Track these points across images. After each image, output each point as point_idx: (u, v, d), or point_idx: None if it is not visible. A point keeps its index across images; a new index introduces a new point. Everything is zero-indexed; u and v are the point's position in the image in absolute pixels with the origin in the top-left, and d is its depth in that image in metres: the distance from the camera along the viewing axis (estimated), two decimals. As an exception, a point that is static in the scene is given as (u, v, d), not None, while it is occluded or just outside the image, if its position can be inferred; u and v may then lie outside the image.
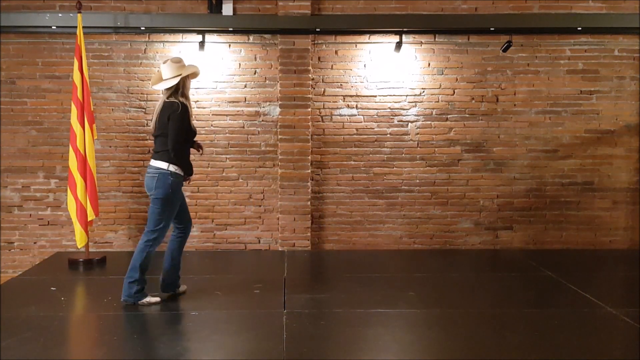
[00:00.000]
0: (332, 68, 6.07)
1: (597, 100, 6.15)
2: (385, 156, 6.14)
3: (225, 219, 6.11)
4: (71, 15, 5.60)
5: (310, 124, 6.03)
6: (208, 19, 5.82)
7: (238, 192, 6.10)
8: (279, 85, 5.98)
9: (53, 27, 5.73)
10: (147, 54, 5.99)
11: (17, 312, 4.06)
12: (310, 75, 6.00)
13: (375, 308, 4.21)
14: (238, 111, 6.05)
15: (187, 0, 5.92)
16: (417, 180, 6.16)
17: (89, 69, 5.72)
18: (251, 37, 6.01)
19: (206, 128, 5.96)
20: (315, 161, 6.11)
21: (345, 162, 6.14)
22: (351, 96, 6.09)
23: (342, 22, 5.92)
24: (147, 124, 6.01)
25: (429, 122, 6.13)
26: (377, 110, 6.11)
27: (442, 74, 6.10)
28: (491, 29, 5.88)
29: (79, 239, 5.35)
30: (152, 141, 5.87)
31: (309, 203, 6.04)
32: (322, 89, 6.08)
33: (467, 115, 6.13)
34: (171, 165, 4.13)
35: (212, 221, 6.07)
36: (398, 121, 6.12)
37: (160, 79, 4.24)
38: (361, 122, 6.12)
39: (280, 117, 5.99)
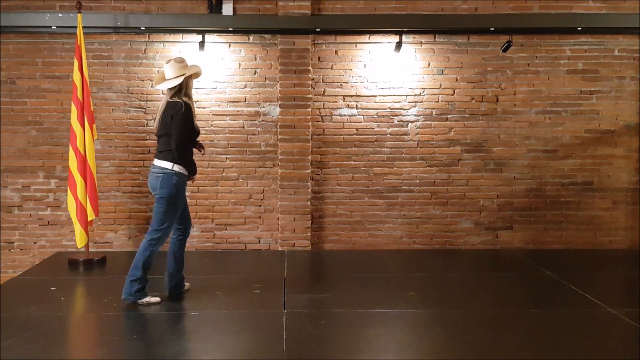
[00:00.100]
0: (332, 68, 6.07)
1: (597, 100, 6.15)
2: (385, 156, 6.14)
3: (225, 219, 6.11)
4: (71, 15, 5.60)
5: (310, 124, 6.03)
6: (208, 19, 5.82)
7: (238, 192, 6.11)
8: (279, 85, 5.99)
9: (53, 27, 5.73)
10: (147, 54, 5.99)
11: (17, 312, 4.06)
12: (310, 75, 6.00)
13: (375, 308, 4.21)
14: (238, 111, 6.05)
15: (187, 0, 5.92)
16: (417, 180, 6.16)
17: (89, 69, 5.72)
18: (251, 37, 6.01)
19: (206, 128, 5.96)
20: (315, 161, 6.11)
21: (345, 162, 6.14)
22: (351, 96, 6.09)
23: (342, 22, 5.92)
24: (147, 124, 6.01)
25: (429, 122, 6.13)
26: (377, 110, 6.11)
27: (442, 74, 6.10)
28: (491, 29, 5.88)
29: (79, 239, 5.35)
30: (152, 141, 5.96)
31: (309, 203, 6.04)
32: (322, 89, 6.08)
33: (467, 115, 6.13)
34: (175, 165, 4.14)
35: (212, 221, 6.08)
36: (398, 121, 6.12)
37: (163, 79, 4.25)
38: (361, 122, 6.12)
39: (280, 117, 5.99)
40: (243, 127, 6.06)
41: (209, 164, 6.02)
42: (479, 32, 5.98)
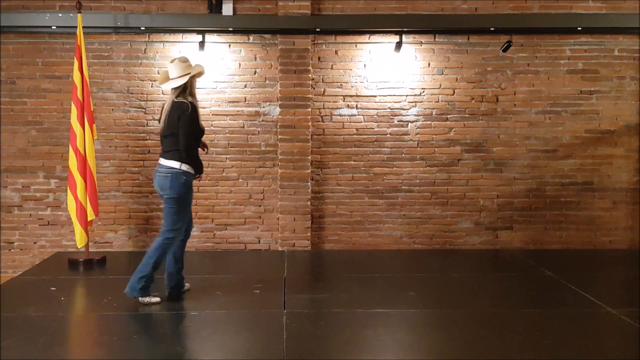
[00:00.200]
0: (332, 68, 6.07)
1: (597, 100, 6.15)
2: (385, 156, 6.14)
3: (225, 219, 6.11)
4: (71, 15, 5.60)
5: (310, 124, 6.03)
6: (208, 19, 5.82)
7: (238, 192, 6.11)
8: (279, 85, 5.98)
9: (53, 27, 5.73)
10: (147, 54, 5.99)
11: (17, 312, 4.06)
12: (310, 75, 6.00)
13: (375, 308, 4.21)
14: (238, 111, 6.05)
15: (187, 0, 5.92)
16: (417, 180, 6.16)
17: (89, 69, 5.71)
18: (251, 37, 6.01)
19: (206, 128, 5.91)
20: (315, 161, 6.11)
21: (345, 162, 6.14)
22: (351, 96, 6.09)
23: (342, 22, 5.92)
24: (147, 124, 6.01)
25: (429, 122, 6.13)
26: (377, 110, 6.11)
27: (442, 74, 6.10)
28: (491, 29, 5.88)
29: (79, 239, 5.35)
30: (152, 141, 5.96)
31: (309, 203, 6.04)
32: (322, 89, 6.08)
33: (467, 115, 6.13)
34: (183, 165, 4.16)
35: (212, 221, 6.07)
36: (398, 121, 6.12)
37: (167, 79, 4.25)
38: (361, 122, 6.12)
39: (280, 117, 5.99)
40: (243, 127, 6.06)
41: (209, 164, 6.01)
42: (479, 32, 5.98)
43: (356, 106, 6.10)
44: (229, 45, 6.00)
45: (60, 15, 5.69)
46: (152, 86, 5.99)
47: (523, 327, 3.87)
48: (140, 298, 4.21)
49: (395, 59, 6.04)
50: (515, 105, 6.13)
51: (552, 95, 6.14)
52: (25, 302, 4.28)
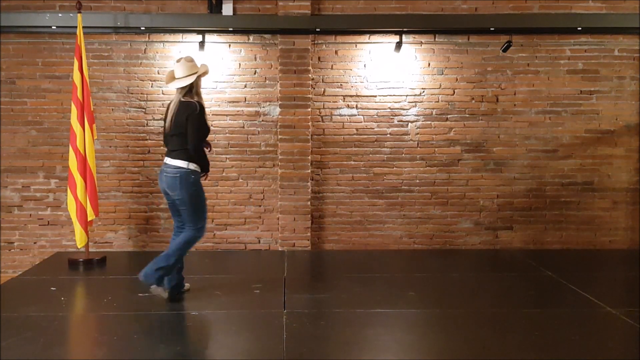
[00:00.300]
0: (332, 68, 6.07)
1: (597, 100, 6.15)
2: (385, 156, 6.14)
3: (225, 219, 6.11)
4: (71, 15, 5.60)
5: (310, 124, 6.03)
6: (208, 19, 5.82)
7: (238, 192, 6.11)
8: (279, 85, 5.99)
9: (53, 27, 5.73)
10: (147, 54, 5.99)
11: (17, 312, 4.06)
12: (310, 75, 6.00)
13: (375, 308, 4.21)
14: (238, 111, 6.05)
15: (187, 0, 5.92)
16: (417, 180, 6.16)
17: (89, 69, 5.72)
18: (251, 37, 6.01)
19: (206, 128, 5.96)
20: (315, 161, 6.11)
21: (345, 162, 6.14)
22: (351, 96, 6.09)
23: (342, 22, 5.92)
24: (147, 124, 6.01)
25: (429, 122, 6.13)
26: (377, 110, 6.11)
27: (442, 74, 6.10)
28: (491, 29, 5.88)
29: (79, 239, 5.35)
30: (152, 141, 5.97)
31: (309, 203, 6.04)
32: (322, 89, 6.08)
33: (467, 115, 6.13)
34: (191, 164, 4.19)
35: (212, 221, 6.07)
36: (398, 121, 6.12)
37: (173, 78, 4.26)
38: (361, 122, 6.12)
39: (280, 117, 5.99)
40: (243, 127, 6.06)
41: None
42: (479, 32, 5.98)
43: (356, 106, 6.10)
44: (229, 45, 6.00)
45: (60, 15, 5.69)
46: (152, 86, 5.99)
47: (523, 327, 3.87)
48: (153, 286, 4.21)
49: (395, 59, 6.04)
50: (515, 105, 6.14)
51: (552, 95, 6.14)
52: (25, 302, 4.28)
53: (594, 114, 6.16)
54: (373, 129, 6.12)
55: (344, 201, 6.16)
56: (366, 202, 6.17)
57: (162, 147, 5.95)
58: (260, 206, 6.13)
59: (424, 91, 6.10)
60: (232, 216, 6.10)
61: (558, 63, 6.11)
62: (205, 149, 4.49)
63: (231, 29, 5.87)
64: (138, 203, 6.07)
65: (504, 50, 5.91)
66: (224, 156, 6.06)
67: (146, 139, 6.03)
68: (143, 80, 5.99)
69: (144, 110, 6.02)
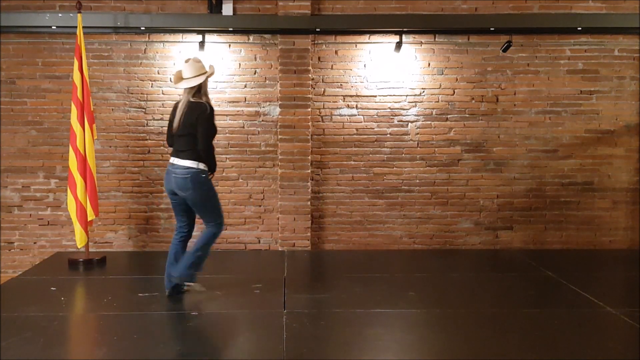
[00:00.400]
0: (332, 68, 6.07)
1: (597, 100, 6.15)
2: (385, 156, 6.14)
3: (225, 219, 6.08)
4: (71, 15, 5.60)
5: (310, 124, 6.03)
6: (208, 19, 5.82)
7: (238, 192, 6.10)
8: (279, 85, 5.99)
9: (53, 27, 5.73)
10: (147, 54, 5.99)
11: (17, 312, 4.06)
12: (310, 75, 6.00)
13: (375, 308, 4.21)
14: (238, 111, 6.05)
15: (187, 0, 5.92)
16: (417, 180, 6.16)
17: (89, 69, 5.72)
18: (251, 37, 6.01)
19: (206, 128, 5.95)
20: (315, 161, 6.11)
21: (345, 162, 6.14)
22: (351, 96, 6.09)
23: (342, 22, 5.92)
24: (147, 124, 6.01)
25: (429, 122, 6.13)
26: (377, 110, 6.11)
27: (442, 74, 6.10)
28: (491, 29, 5.88)
29: (79, 239, 5.35)
30: (152, 141, 5.97)
31: (309, 203, 6.04)
32: (322, 89, 6.08)
33: (467, 115, 6.13)
34: (200, 163, 4.22)
35: (212, 221, 6.06)
36: (398, 121, 6.12)
37: (181, 78, 4.27)
38: (361, 122, 6.12)
39: (280, 117, 5.99)
40: (243, 127, 6.06)
41: (209, 164, 6.01)
42: (479, 32, 5.99)
43: (356, 106, 6.10)
44: (229, 45, 6.00)
45: (60, 15, 5.69)
46: (152, 86, 6.00)
47: (523, 327, 3.87)
48: (189, 283, 4.35)
49: (395, 59, 6.04)
50: (515, 105, 6.14)
51: (552, 95, 6.14)
52: (25, 302, 4.28)
53: (594, 114, 6.16)
54: (373, 129, 6.12)
55: (344, 201, 6.16)
56: (366, 202, 6.17)
57: (162, 147, 5.98)
58: (260, 206, 6.13)
59: (424, 91, 6.11)
60: (232, 216, 6.10)
61: (558, 63, 6.11)
62: None
63: (231, 29, 5.87)
64: (138, 203, 6.07)
65: (504, 50, 5.91)
66: (224, 156, 6.05)
67: (146, 139, 6.03)
68: (143, 80, 5.99)
69: (144, 110, 6.02)
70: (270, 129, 6.07)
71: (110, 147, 6.03)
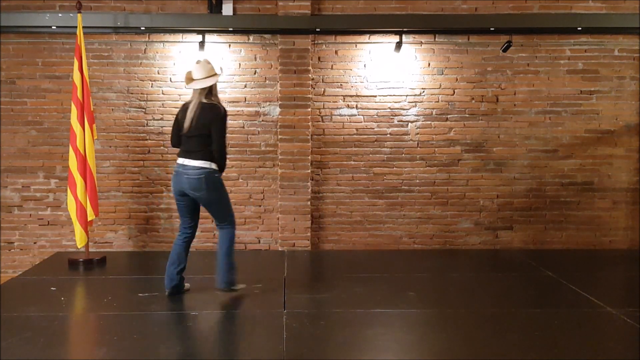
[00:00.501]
0: (332, 68, 6.07)
1: (597, 100, 6.15)
2: (385, 156, 6.14)
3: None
4: (71, 15, 5.60)
5: (310, 124, 6.03)
6: (208, 19, 5.82)
7: (238, 192, 6.10)
8: (279, 85, 5.99)
9: (53, 27, 5.73)
10: (147, 54, 5.99)
11: (17, 312, 4.06)
12: (310, 75, 6.00)
13: (375, 308, 4.21)
14: (238, 111, 6.05)
15: (187, 0, 5.92)
16: (417, 180, 6.16)
17: (89, 69, 5.72)
18: (251, 37, 6.01)
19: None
20: (315, 161, 6.11)
21: (345, 162, 6.14)
22: (351, 96, 6.09)
23: (342, 22, 5.92)
24: (147, 124, 6.01)
25: (429, 122, 6.13)
26: (377, 110, 6.11)
27: (442, 74, 6.10)
28: (491, 29, 5.88)
29: (79, 239, 5.35)
30: (152, 141, 5.97)
31: (309, 203, 6.04)
32: (322, 89, 6.08)
33: (467, 115, 6.13)
34: (212, 163, 4.26)
35: (212, 221, 6.03)
36: (398, 121, 6.12)
37: (191, 79, 4.26)
38: (361, 122, 6.12)
39: (280, 117, 5.99)
40: (243, 127, 6.06)
41: (209, 164, 6.01)
42: (479, 32, 5.99)
43: (356, 106, 6.10)
44: (229, 45, 6.00)
45: (60, 15, 5.69)
46: (152, 86, 6.00)
47: (523, 327, 3.87)
48: (234, 287, 4.41)
49: (395, 59, 6.04)
50: (515, 105, 6.14)
51: (552, 95, 6.14)
52: (25, 302, 4.28)
53: (594, 114, 6.16)
54: (373, 129, 6.12)
55: (344, 201, 6.16)
56: (366, 202, 6.17)
57: (162, 147, 5.99)
58: (260, 206, 6.13)
59: (424, 91, 6.11)
60: (232, 216, 6.09)
61: (558, 63, 6.11)
62: None
63: (231, 29, 5.87)
64: (138, 203, 6.07)
65: (504, 50, 5.91)
66: (224, 156, 6.05)
67: (146, 139, 6.03)
68: (143, 80, 5.99)
69: (144, 110, 6.02)
70: (270, 129, 6.07)
71: (110, 147, 6.03)
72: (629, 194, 6.22)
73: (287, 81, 5.96)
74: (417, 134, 6.13)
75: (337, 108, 6.10)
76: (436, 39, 6.07)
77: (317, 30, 5.90)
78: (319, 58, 6.06)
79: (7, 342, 3.51)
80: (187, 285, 4.56)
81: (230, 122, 6.00)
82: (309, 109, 6.01)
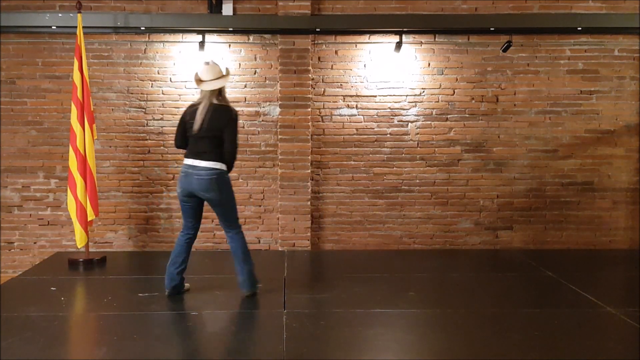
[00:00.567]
0: (332, 68, 6.07)
1: (597, 100, 6.15)
2: (385, 156, 6.14)
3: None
4: (71, 15, 5.60)
5: (310, 124, 6.03)
6: (208, 19, 5.82)
7: (238, 192, 6.06)
8: (279, 85, 5.99)
9: (53, 27, 5.73)
10: (147, 54, 5.99)
11: (17, 312, 4.06)
12: (310, 75, 6.00)
13: (375, 308, 4.21)
14: (238, 111, 6.00)
15: (187, 0, 5.92)
16: (417, 180, 6.16)
17: (89, 69, 5.72)
18: (251, 37, 6.01)
19: (206, 128, 5.95)
20: (315, 161, 6.11)
21: (345, 162, 6.14)
22: (351, 96, 6.09)
23: (342, 22, 5.92)
24: (147, 124, 6.01)
25: (429, 122, 6.13)
26: (377, 110, 6.11)
27: (442, 74, 6.10)
28: (491, 29, 5.88)
29: (79, 239, 5.35)
30: (152, 141, 5.97)
31: (309, 203, 6.04)
32: (322, 89, 6.08)
33: (467, 115, 6.13)
34: (222, 164, 4.26)
35: (212, 221, 6.06)
36: (398, 121, 6.12)
37: (201, 81, 4.25)
38: (361, 122, 6.12)
39: (280, 117, 6.00)
40: (243, 127, 6.06)
41: (209, 164, 6.01)
42: (479, 32, 5.98)
43: (356, 106, 6.10)
44: (229, 45, 6.00)
45: (60, 15, 5.69)
46: (152, 86, 6.00)
47: (523, 327, 3.87)
48: (257, 286, 4.48)
49: (395, 59, 6.04)
50: (515, 105, 6.14)
51: (552, 95, 6.14)
52: (25, 302, 4.28)
53: (594, 114, 6.16)
54: (373, 129, 6.12)
55: (344, 201, 6.16)
56: (366, 202, 6.17)
57: (162, 147, 5.99)
58: (260, 206, 6.13)
59: (424, 91, 6.11)
60: (232, 216, 6.09)
61: (558, 63, 6.11)
62: None
63: (231, 29, 5.87)
64: (138, 203, 6.07)
65: (504, 50, 5.91)
66: (224, 156, 6.05)
67: (146, 139, 6.03)
68: (143, 80, 5.99)
69: (144, 110, 6.02)
70: (270, 129, 6.07)
71: (110, 147, 6.03)
72: (629, 194, 6.22)
73: (287, 81, 5.96)
74: (417, 134, 6.13)
75: (337, 108, 6.10)
76: (436, 39, 6.07)
77: (317, 30, 5.90)
78: (319, 58, 6.06)
79: (7, 342, 3.51)
80: (187, 285, 4.56)
81: (230, 122, 6.04)
82: (309, 109, 6.01)
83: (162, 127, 6.01)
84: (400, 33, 5.92)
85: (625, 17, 5.87)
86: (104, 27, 5.76)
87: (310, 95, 6.01)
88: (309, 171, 6.04)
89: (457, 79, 6.10)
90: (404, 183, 6.16)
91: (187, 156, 4.30)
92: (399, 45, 5.93)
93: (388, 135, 6.13)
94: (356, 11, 5.98)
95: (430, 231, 6.20)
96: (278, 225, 6.10)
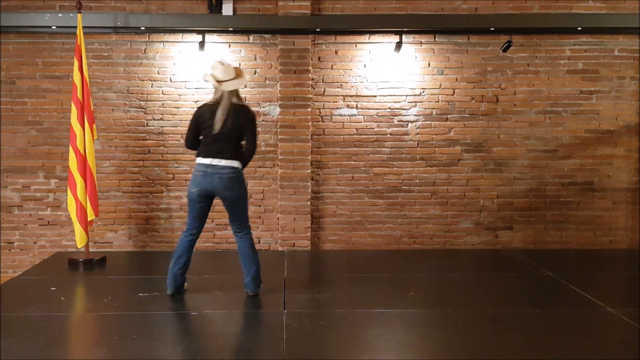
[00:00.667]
0: (332, 68, 6.07)
1: (597, 100, 6.15)
2: (385, 156, 6.14)
3: (225, 219, 6.03)
4: (71, 15, 5.60)
5: (310, 124, 6.03)
6: (208, 19, 5.82)
7: (238, 192, 6.09)
8: (279, 85, 5.99)
9: (53, 27, 5.73)
10: (147, 54, 5.99)
11: (17, 312, 4.06)
12: (310, 75, 6.00)
13: (375, 308, 4.21)
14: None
15: (187, 0, 5.92)
16: (417, 180, 6.16)
17: (89, 69, 5.72)
18: (251, 37, 6.01)
19: (206, 128, 5.95)
20: (315, 161, 6.11)
21: (345, 162, 6.14)
22: (351, 96, 6.09)
23: (342, 22, 5.92)
24: (147, 124, 6.01)
25: (429, 122, 6.13)
26: (377, 110, 6.11)
27: (442, 74, 6.10)
28: (491, 29, 5.88)
29: (79, 239, 5.35)
30: (152, 141, 5.97)
31: (309, 203, 6.04)
32: (322, 89, 6.08)
33: (467, 115, 6.13)
34: (240, 163, 4.30)
35: (212, 221, 6.07)
36: (398, 121, 6.12)
37: (219, 81, 4.23)
38: (361, 122, 6.12)
39: (280, 117, 6.00)
40: (243, 127, 6.05)
41: (209, 164, 6.01)
42: (479, 32, 5.98)
43: (356, 106, 6.10)
44: (229, 45, 6.00)
45: (60, 15, 5.69)
46: (152, 86, 6.00)
47: (523, 327, 3.87)
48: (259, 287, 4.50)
49: (395, 59, 6.04)
50: (515, 105, 6.14)
51: (552, 95, 6.14)
52: (25, 302, 4.28)
53: (594, 114, 6.16)
54: (373, 129, 6.12)
55: (344, 201, 6.16)
56: (366, 202, 6.17)
57: (162, 147, 5.99)
58: (260, 206, 6.13)
59: (424, 91, 6.11)
60: (232, 216, 6.09)
61: (558, 63, 6.11)
62: None
63: (231, 29, 5.87)
64: (138, 203, 6.07)
65: (504, 50, 5.91)
66: (224, 156, 6.05)
67: (146, 139, 6.03)
68: (143, 80, 5.99)
69: (144, 110, 6.02)
70: (270, 129, 6.07)
71: (110, 147, 6.03)
72: (629, 194, 6.22)
73: (287, 81, 5.96)
74: (417, 134, 6.13)
75: (337, 108, 6.10)
76: (436, 39, 6.07)
77: (317, 30, 5.90)
78: (319, 58, 6.06)
79: (7, 342, 3.51)
80: (185, 285, 4.56)
81: (230, 122, 6.03)
82: (309, 109, 6.01)
83: (162, 127, 6.01)
84: (400, 33, 5.92)
85: (625, 17, 5.87)
86: (104, 27, 5.76)
87: (310, 95, 6.01)
88: (309, 171, 6.04)
89: (457, 79, 6.10)
90: (404, 183, 6.16)
91: (203, 155, 4.25)
92: (399, 45, 5.93)
93: (388, 135, 6.13)
94: (356, 11, 5.98)
95: (430, 231, 6.20)
96: (278, 225, 6.10)
